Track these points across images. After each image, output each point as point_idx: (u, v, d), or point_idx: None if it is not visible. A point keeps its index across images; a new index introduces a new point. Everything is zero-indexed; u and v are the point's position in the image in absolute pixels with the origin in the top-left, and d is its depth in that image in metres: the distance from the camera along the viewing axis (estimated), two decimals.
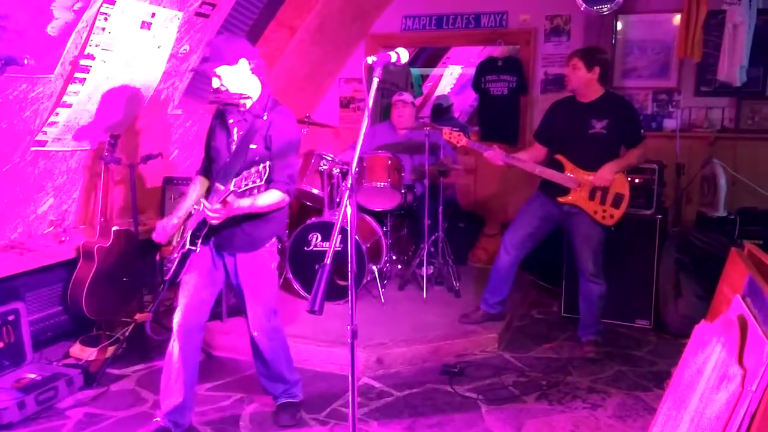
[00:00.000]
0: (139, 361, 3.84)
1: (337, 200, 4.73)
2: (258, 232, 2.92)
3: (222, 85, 2.77)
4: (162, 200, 4.43)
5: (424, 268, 4.75)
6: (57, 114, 3.55)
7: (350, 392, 1.93)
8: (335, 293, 4.19)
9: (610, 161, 3.80)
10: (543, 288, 5.13)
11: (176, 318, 2.91)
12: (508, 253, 4.07)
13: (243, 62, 2.78)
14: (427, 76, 8.86)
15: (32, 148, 3.58)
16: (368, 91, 2.01)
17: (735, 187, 4.85)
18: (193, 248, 2.83)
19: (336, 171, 4.63)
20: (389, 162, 4.65)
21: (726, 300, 2.33)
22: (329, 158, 4.63)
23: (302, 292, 4.50)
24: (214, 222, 2.71)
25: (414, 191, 4.95)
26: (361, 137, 1.97)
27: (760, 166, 4.92)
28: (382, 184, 4.60)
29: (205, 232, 2.82)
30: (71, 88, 3.51)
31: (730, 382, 1.84)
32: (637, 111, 4.04)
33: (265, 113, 2.83)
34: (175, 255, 2.89)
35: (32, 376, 3.43)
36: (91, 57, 3.47)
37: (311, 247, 4.44)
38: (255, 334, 3.01)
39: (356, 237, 4.29)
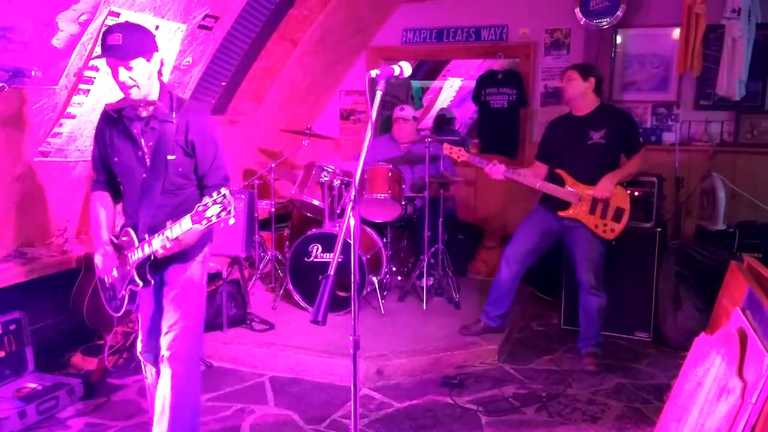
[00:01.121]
0: (139, 372, 3.83)
1: (338, 211, 4.76)
2: (193, 243, 2.59)
3: (131, 78, 2.37)
4: None
5: (424, 280, 4.76)
6: (61, 125, 3.58)
7: (353, 403, 1.94)
8: (335, 304, 4.20)
9: (610, 172, 3.82)
10: (543, 300, 5.13)
11: (139, 348, 2.77)
12: (509, 266, 4.08)
13: (156, 57, 2.45)
14: (428, 88, 8.92)
15: (36, 159, 3.60)
16: (371, 104, 2.03)
17: (734, 200, 4.87)
18: (147, 283, 2.54)
19: (337, 182, 4.65)
20: (390, 174, 4.67)
21: (726, 313, 2.34)
22: (330, 170, 4.65)
23: (302, 303, 4.51)
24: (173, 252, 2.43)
25: (414, 203, 4.97)
26: (365, 149, 1.98)
27: (760, 179, 4.94)
28: (383, 195, 4.62)
29: (149, 265, 2.52)
30: (75, 99, 3.54)
31: (730, 394, 1.85)
32: (633, 119, 4.08)
33: (174, 115, 2.48)
34: (123, 292, 2.58)
35: (33, 385, 3.44)
36: (96, 69, 3.50)
37: (311, 258, 4.45)
38: (168, 353, 2.59)
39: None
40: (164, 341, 2.60)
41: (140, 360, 2.84)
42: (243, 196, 4.25)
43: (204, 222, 2.22)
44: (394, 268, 5.22)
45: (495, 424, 3.29)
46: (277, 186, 5.25)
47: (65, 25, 3.17)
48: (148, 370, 2.83)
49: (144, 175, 2.50)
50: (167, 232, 2.34)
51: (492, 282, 4.23)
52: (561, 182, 3.89)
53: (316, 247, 4.45)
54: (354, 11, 5.53)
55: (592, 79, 3.87)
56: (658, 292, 4.28)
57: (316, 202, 4.71)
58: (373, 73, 2.06)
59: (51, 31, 3.13)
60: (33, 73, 2.13)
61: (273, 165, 5.04)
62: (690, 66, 4.65)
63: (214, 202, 2.21)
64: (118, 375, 3.76)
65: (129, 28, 2.40)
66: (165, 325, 2.61)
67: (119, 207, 2.74)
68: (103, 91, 3.67)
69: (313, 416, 3.35)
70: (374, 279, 4.55)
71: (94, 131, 3.05)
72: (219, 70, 4.80)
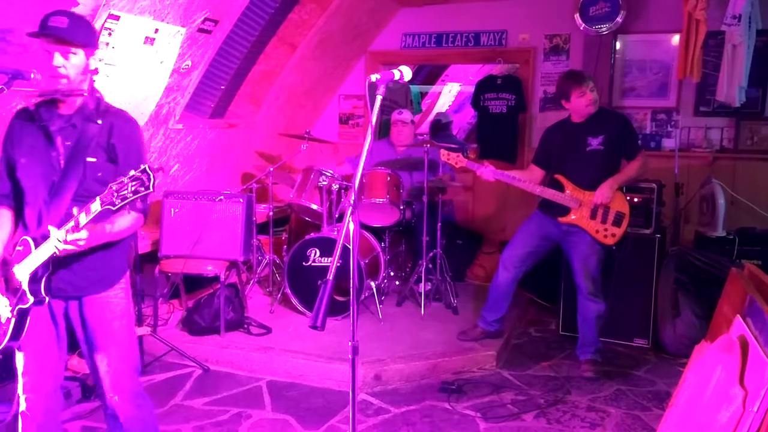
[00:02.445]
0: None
1: (336, 215, 4.75)
2: (109, 266, 2.33)
3: (65, 67, 2.15)
4: (161, 214, 4.41)
5: (422, 285, 4.75)
6: None
7: (351, 408, 1.92)
8: (333, 309, 4.17)
9: (609, 178, 3.82)
10: (541, 306, 5.12)
11: (26, 397, 2.32)
12: (506, 270, 4.08)
13: (96, 56, 2.26)
14: (426, 93, 8.91)
15: None
16: (371, 108, 2.01)
17: (734, 207, 4.87)
18: (40, 300, 2.15)
19: (335, 186, 4.64)
20: (388, 178, 4.66)
21: (726, 320, 2.33)
22: (328, 174, 4.64)
23: (300, 307, 4.49)
24: (76, 250, 2.07)
25: (412, 208, 4.96)
26: (364, 154, 1.97)
27: (759, 186, 4.95)
28: (381, 200, 4.61)
29: (46, 275, 2.15)
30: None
31: (731, 402, 1.84)
32: (631, 123, 4.07)
33: (99, 117, 2.24)
34: (8, 315, 2.17)
35: None
36: (95, 71, 3.48)
37: (309, 263, 4.44)
38: (115, 398, 2.34)
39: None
40: (106, 384, 2.33)
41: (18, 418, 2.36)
42: (241, 200, 4.23)
43: (118, 201, 1.92)
44: (392, 273, 5.21)
45: (493, 430, 3.27)
46: (275, 190, 5.24)
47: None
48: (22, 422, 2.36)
49: (54, 179, 2.18)
50: (71, 224, 2.00)
51: (489, 287, 4.22)
52: (561, 188, 3.88)
53: (314, 252, 4.44)
54: (353, 16, 5.54)
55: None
56: (657, 299, 4.27)
57: (314, 207, 4.70)
58: (374, 77, 2.05)
59: None
60: (32, 76, 2.11)
61: (271, 169, 5.03)
62: (690, 72, 4.65)
63: (132, 178, 1.91)
64: None
65: (78, 17, 2.25)
66: (101, 366, 2.32)
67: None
68: (102, 94, 3.65)
69: (310, 421, 3.33)
70: (372, 284, 4.54)
71: None
72: (218, 73, 4.80)
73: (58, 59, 2.14)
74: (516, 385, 3.80)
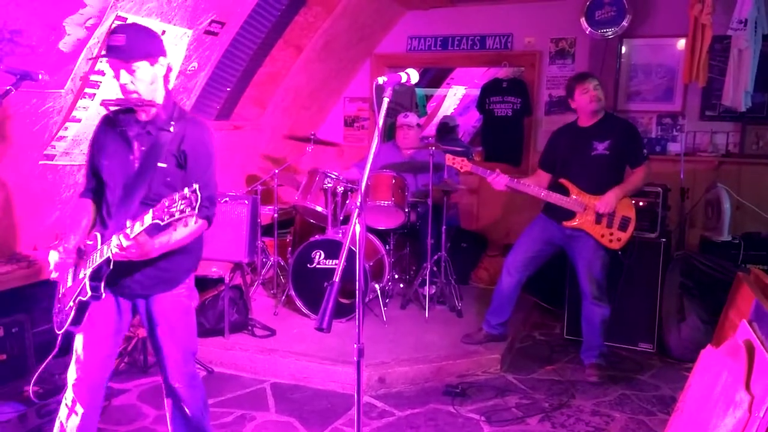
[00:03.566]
0: (140, 376, 3.83)
1: (341, 218, 4.75)
2: (175, 267, 2.45)
3: (133, 83, 2.25)
4: None
5: (427, 288, 4.75)
6: (66, 128, 3.58)
7: (356, 411, 1.92)
8: (337, 311, 4.15)
9: (615, 187, 3.81)
10: (545, 310, 5.11)
11: (74, 376, 2.45)
12: (510, 275, 4.07)
13: (162, 62, 2.32)
14: (431, 96, 8.92)
15: (41, 162, 3.60)
16: (378, 110, 2.01)
17: (739, 211, 4.85)
18: (97, 296, 2.26)
19: (340, 189, 4.64)
20: (393, 181, 4.66)
21: (732, 325, 2.32)
22: (333, 176, 4.65)
23: (304, 309, 4.50)
24: (133, 258, 2.19)
25: (417, 210, 4.96)
26: (371, 157, 1.97)
27: (765, 191, 4.93)
28: (386, 202, 4.61)
29: (107, 274, 2.27)
30: (81, 103, 3.54)
31: (738, 407, 1.83)
32: (638, 131, 4.07)
33: (172, 123, 2.33)
34: (71, 304, 2.32)
35: (35, 388, 3.42)
36: (102, 73, 3.50)
37: (314, 265, 4.44)
38: (177, 385, 2.52)
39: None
40: (171, 371, 2.50)
41: (69, 396, 2.48)
42: (246, 202, 4.24)
43: (166, 218, 1.99)
44: (396, 276, 5.21)
45: None
46: (280, 192, 5.25)
47: (72, 29, 3.17)
48: (74, 406, 2.47)
49: (130, 180, 2.32)
50: (126, 231, 2.11)
51: (493, 290, 4.22)
52: (566, 192, 3.87)
53: (318, 254, 4.44)
54: (359, 18, 5.55)
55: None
56: (662, 303, 4.26)
57: (319, 209, 4.70)
58: (381, 80, 2.05)
59: (58, 34, 3.14)
60: (40, 77, 2.12)
61: (276, 171, 5.04)
62: (696, 76, 4.65)
63: (182, 197, 1.98)
64: (119, 379, 3.75)
65: (135, 29, 2.32)
66: (167, 357, 2.49)
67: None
68: (108, 95, 3.67)
69: (314, 423, 3.33)
70: (376, 286, 4.54)
71: None
72: (224, 75, 4.81)
73: (123, 77, 2.24)
74: (520, 388, 3.80)
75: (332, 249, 4.41)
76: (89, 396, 2.46)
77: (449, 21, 5.94)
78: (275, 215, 5.10)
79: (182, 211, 1.98)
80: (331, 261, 4.39)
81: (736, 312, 2.39)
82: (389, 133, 5.95)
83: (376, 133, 1.99)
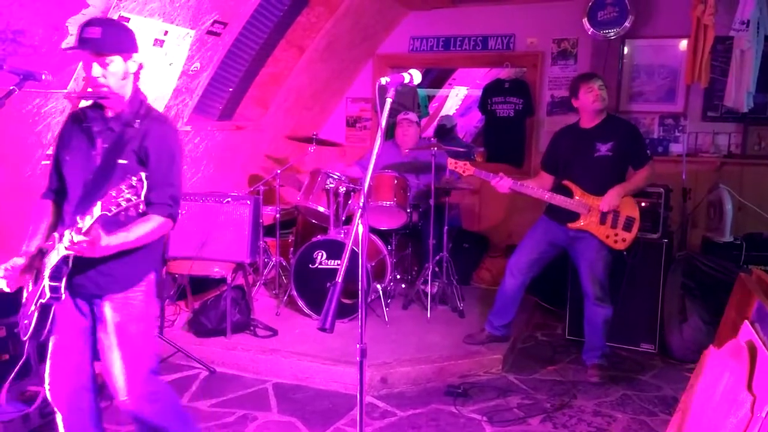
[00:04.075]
0: None
1: (343, 218, 4.75)
2: (131, 266, 2.33)
3: (104, 77, 2.20)
4: None
5: (429, 288, 4.75)
6: None
7: (358, 411, 1.92)
8: (339, 311, 4.15)
9: (616, 185, 3.81)
10: (547, 310, 5.11)
11: (47, 381, 2.37)
12: (513, 276, 4.07)
13: (135, 58, 2.29)
14: (433, 96, 8.93)
15: (43, 162, 3.61)
16: (380, 110, 2.02)
17: (741, 212, 4.85)
18: (56, 297, 2.18)
19: (342, 189, 4.65)
20: (395, 181, 4.67)
21: (734, 325, 2.32)
22: (336, 176, 4.65)
23: (306, 310, 4.50)
24: (87, 253, 2.08)
25: (419, 211, 4.96)
26: (374, 157, 1.98)
27: (767, 191, 4.93)
28: (388, 203, 4.62)
29: (67, 273, 2.20)
30: (83, 103, 3.54)
31: (740, 408, 1.83)
32: (640, 132, 4.07)
33: (137, 121, 2.28)
34: (32, 308, 2.23)
35: (37, 388, 3.42)
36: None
37: (316, 265, 4.45)
38: (127, 400, 2.33)
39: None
40: (118, 385, 2.31)
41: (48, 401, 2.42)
42: (248, 202, 4.25)
43: (113, 208, 1.95)
44: (398, 276, 5.21)
45: None
46: (282, 192, 5.25)
47: (75, 29, 3.18)
48: (55, 412, 2.42)
49: (90, 177, 2.25)
50: (78, 226, 2.03)
51: (496, 291, 4.22)
52: (569, 193, 3.87)
53: (320, 254, 4.44)
54: (361, 19, 5.55)
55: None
56: (663, 304, 4.26)
57: (321, 209, 4.70)
58: (383, 80, 2.05)
59: (61, 35, 3.15)
60: (43, 77, 2.12)
61: (278, 171, 5.04)
62: (698, 77, 4.65)
63: (128, 185, 1.94)
64: None
65: (109, 23, 2.30)
66: (114, 367, 2.31)
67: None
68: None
69: (316, 424, 3.33)
70: (378, 286, 4.54)
71: None
72: (226, 75, 4.82)
73: (96, 70, 2.19)
74: (522, 389, 3.80)
75: (334, 249, 4.41)
76: (68, 401, 2.39)
77: (451, 21, 5.94)
78: (277, 215, 5.11)
79: (128, 200, 1.94)
80: (333, 261, 4.40)
81: (738, 313, 2.39)
82: (389, 132, 5.96)
83: (379, 134, 1.99)
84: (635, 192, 3.90)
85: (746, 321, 2.13)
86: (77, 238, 2.02)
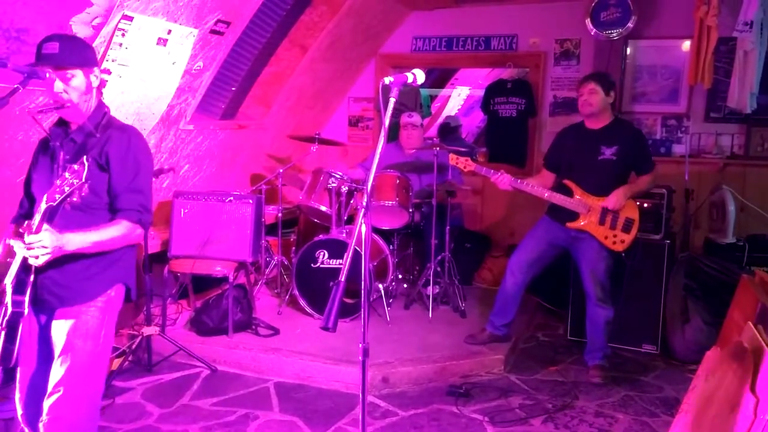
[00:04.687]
0: (145, 374, 3.84)
1: (345, 218, 4.75)
2: (89, 278, 2.20)
3: (66, 92, 2.16)
4: (171, 214, 4.44)
5: (430, 288, 4.74)
6: None
7: (361, 411, 1.92)
8: (341, 311, 4.16)
9: (622, 186, 3.80)
10: (549, 310, 5.10)
11: (20, 410, 2.26)
12: (513, 275, 4.07)
13: (96, 72, 2.26)
14: (436, 96, 8.92)
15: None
16: (384, 110, 2.02)
17: (744, 213, 4.84)
18: (19, 312, 2.04)
19: (344, 189, 4.65)
20: (397, 181, 4.67)
21: (737, 327, 2.32)
22: (338, 176, 4.65)
23: (308, 309, 4.50)
24: (39, 261, 1.97)
25: (421, 211, 4.96)
26: (377, 157, 1.97)
27: None
28: (390, 202, 4.62)
29: (30, 286, 2.07)
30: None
31: (743, 410, 1.83)
32: (646, 138, 4.06)
33: (99, 131, 2.23)
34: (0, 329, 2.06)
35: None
36: (107, 72, 3.51)
37: (318, 264, 4.44)
38: (45, 420, 2.15)
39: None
40: (46, 404, 2.14)
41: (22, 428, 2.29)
42: (250, 201, 4.25)
43: (58, 196, 1.91)
44: (400, 276, 5.21)
45: None
46: (284, 191, 5.25)
47: (78, 28, 3.18)
48: None
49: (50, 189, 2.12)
50: (31, 227, 1.97)
51: (497, 291, 4.22)
52: (569, 193, 3.87)
53: (322, 253, 4.44)
54: (364, 19, 5.55)
55: (612, 93, 3.85)
56: (666, 305, 4.25)
57: (323, 208, 4.70)
58: (387, 80, 2.05)
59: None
60: (47, 75, 2.12)
61: (281, 170, 5.04)
62: (701, 78, 4.64)
63: (71, 171, 1.91)
64: (124, 377, 3.75)
65: (67, 38, 2.26)
66: (50, 383, 2.15)
67: None
68: (114, 94, 3.68)
69: (317, 423, 3.33)
70: (380, 286, 4.54)
71: None
72: (229, 74, 4.82)
73: (57, 85, 2.14)
74: (523, 389, 3.80)
75: (336, 248, 4.41)
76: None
77: (454, 21, 5.94)
78: (279, 215, 5.11)
79: (71, 185, 1.91)
80: (334, 260, 4.40)
81: (741, 314, 2.39)
82: (392, 133, 5.96)
83: (382, 134, 1.98)
84: (639, 195, 3.89)
85: (749, 322, 2.13)
86: (29, 238, 1.94)
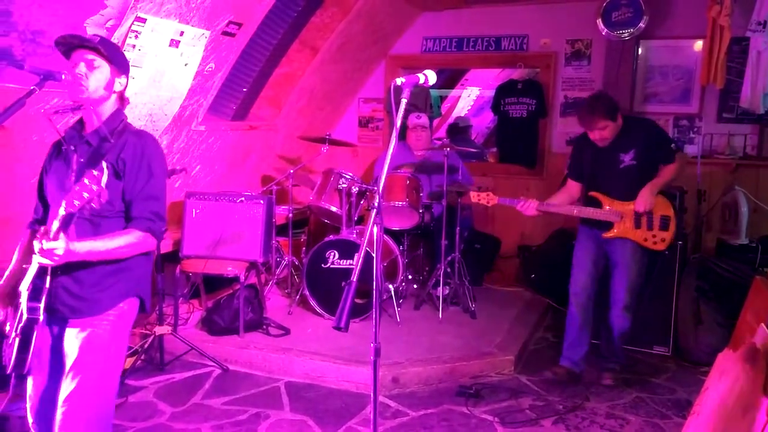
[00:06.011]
0: (157, 373, 3.87)
1: (355, 218, 4.76)
2: (100, 289, 2.17)
3: (87, 77, 2.14)
4: (183, 214, 4.47)
5: (440, 289, 4.75)
6: None
7: (372, 411, 1.93)
8: (351, 311, 4.19)
9: (647, 185, 3.67)
10: (559, 312, 5.09)
11: (32, 418, 2.25)
12: (578, 298, 3.87)
13: (122, 80, 2.24)
14: (446, 97, 8.92)
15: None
16: (395, 111, 2.03)
17: (756, 214, 4.81)
18: (34, 318, 2.02)
19: (355, 189, 4.66)
20: (408, 181, 4.67)
21: (750, 328, 2.31)
22: (348, 176, 4.67)
23: (318, 309, 4.51)
24: (55, 260, 1.95)
25: (431, 211, 4.96)
26: (389, 158, 1.98)
27: None
28: (401, 203, 4.63)
29: (46, 293, 2.05)
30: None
31: (755, 412, 1.82)
32: (658, 127, 3.95)
33: (114, 136, 2.19)
34: (14, 334, 2.04)
35: None
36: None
37: (328, 265, 4.46)
38: None
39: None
40: (56, 417, 2.12)
41: None
42: (261, 202, 4.27)
43: (76, 202, 1.89)
44: (410, 276, 5.22)
45: None
46: (295, 192, 5.27)
47: (93, 29, 3.21)
48: None
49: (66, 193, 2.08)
50: (49, 234, 1.95)
51: (565, 324, 3.99)
52: (598, 204, 3.76)
53: (333, 254, 4.46)
54: (374, 20, 5.56)
55: (619, 114, 3.71)
56: (678, 307, 4.23)
57: (333, 209, 4.72)
58: (399, 80, 2.06)
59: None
60: (63, 77, 2.14)
61: (291, 171, 5.06)
62: (713, 78, 4.62)
63: (89, 176, 1.90)
64: (136, 376, 3.78)
65: (110, 41, 2.34)
66: (60, 397, 2.13)
67: None
68: (127, 95, 3.71)
69: (328, 422, 3.34)
70: (390, 287, 4.55)
71: None
72: (241, 76, 4.85)
73: (81, 68, 2.14)
74: (534, 390, 3.79)
75: (346, 249, 4.42)
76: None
77: (464, 22, 5.94)
78: (290, 215, 5.13)
79: (90, 191, 1.89)
80: (345, 261, 4.41)
81: (754, 315, 2.37)
82: (400, 133, 5.95)
83: (394, 134, 1.99)
84: (667, 186, 3.76)
85: (762, 324, 2.12)
86: (47, 245, 1.92)
